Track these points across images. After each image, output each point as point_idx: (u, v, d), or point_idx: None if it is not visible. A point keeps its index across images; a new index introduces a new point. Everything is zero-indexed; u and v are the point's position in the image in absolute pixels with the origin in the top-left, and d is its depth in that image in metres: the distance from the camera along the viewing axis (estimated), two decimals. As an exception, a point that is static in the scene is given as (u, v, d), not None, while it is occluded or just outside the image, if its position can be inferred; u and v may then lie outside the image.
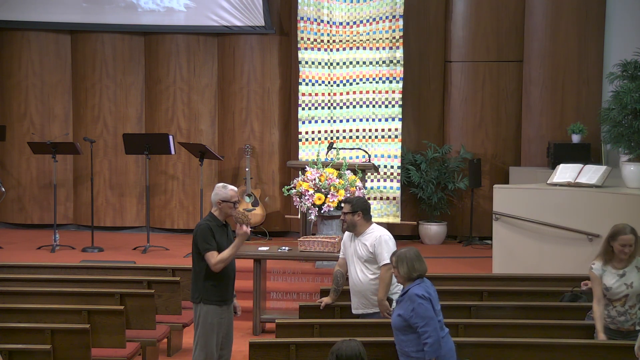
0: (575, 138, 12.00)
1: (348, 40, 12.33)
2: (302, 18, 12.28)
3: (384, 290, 7.09)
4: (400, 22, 12.10)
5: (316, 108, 12.39)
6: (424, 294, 6.16)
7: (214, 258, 6.87)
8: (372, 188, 12.17)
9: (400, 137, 12.23)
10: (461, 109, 12.80)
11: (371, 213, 7.38)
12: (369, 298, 7.18)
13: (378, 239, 7.15)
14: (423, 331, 6.06)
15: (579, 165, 10.34)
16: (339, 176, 10.18)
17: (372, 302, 7.16)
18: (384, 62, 12.20)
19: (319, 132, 12.39)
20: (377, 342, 6.59)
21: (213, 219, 7.03)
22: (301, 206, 10.26)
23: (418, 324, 6.09)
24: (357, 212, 7.21)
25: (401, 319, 6.17)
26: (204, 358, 7.00)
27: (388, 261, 7.06)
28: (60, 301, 7.66)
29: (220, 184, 7.17)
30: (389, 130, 12.23)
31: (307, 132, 12.37)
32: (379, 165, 12.06)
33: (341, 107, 12.38)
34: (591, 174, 10.13)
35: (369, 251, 7.16)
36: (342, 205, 7.46)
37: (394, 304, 7.16)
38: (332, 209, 10.03)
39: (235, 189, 7.17)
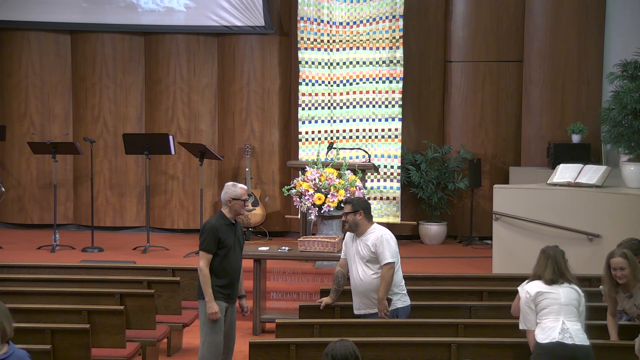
0: (575, 138, 12.00)
1: (348, 40, 12.32)
2: (302, 18, 12.28)
3: (385, 289, 7.09)
4: (400, 22, 12.10)
5: (316, 108, 12.38)
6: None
7: (203, 261, 7.03)
8: (372, 188, 12.17)
9: (400, 137, 12.22)
10: (461, 109, 12.79)
11: (371, 213, 7.38)
12: (371, 298, 7.16)
13: (379, 238, 7.14)
14: None
15: (579, 165, 10.34)
16: (339, 176, 10.17)
17: (374, 302, 7.15)
18: (384, 62, 12.20)
19: (319, 132, 12.39)
20: (377, 342, 6.58)
21: (222, 217, 7.11)
22: (301, 206, 10.25)
23: None
24: (358, 211, 7.21)
25: None
26: (211, 355, 7.00)
27: (390, 260, 7.08)
28: (60, 301, 7.66)
29: (230, 183, 7.25)
30: (389, 130, 12.23)
31: (307, 132, 12.37)
32: (379, 165, 12.06)
33: (341, 107, 12.38)
34: (591, 174, 10.12)
35: (370, 251, 7.15)
36: (343, 206, 7.46)
37: (393, 304, 7.17)
38: (332, 209, 10.02)
39: (245, 187, 7.24)
